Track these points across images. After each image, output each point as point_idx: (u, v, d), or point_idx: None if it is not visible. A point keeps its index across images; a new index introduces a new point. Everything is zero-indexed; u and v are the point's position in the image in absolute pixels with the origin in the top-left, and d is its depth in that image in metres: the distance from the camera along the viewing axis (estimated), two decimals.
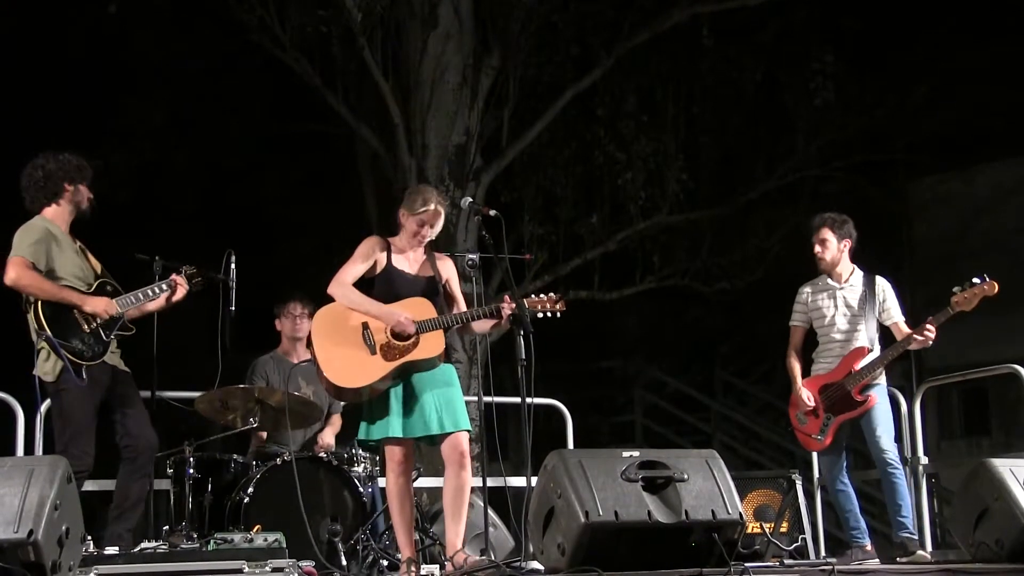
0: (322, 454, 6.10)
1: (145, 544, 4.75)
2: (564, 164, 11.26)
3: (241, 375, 6.55)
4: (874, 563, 6.03)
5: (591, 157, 11.35)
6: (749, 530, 6.55)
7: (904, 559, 5.96)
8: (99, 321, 5.35)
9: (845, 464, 6.35)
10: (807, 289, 6.50)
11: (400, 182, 9.86)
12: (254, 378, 6.60)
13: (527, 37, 10.34)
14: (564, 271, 10.81)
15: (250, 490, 5.77)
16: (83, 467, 5.26)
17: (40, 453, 6.16)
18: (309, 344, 5.34)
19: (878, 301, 6.32)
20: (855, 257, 6.51)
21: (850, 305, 6.34)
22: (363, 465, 6.11)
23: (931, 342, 6.10)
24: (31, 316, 5.27)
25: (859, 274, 6.44)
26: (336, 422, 6.74)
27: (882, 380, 6.30)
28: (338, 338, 5.11)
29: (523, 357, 5.03)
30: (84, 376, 5.24)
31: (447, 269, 5.38)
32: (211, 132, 11.70)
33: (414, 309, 5.15)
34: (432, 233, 5.30)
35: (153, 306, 5.59)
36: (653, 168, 11.23)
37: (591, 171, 11.37)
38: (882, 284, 6.40)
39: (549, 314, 5.21)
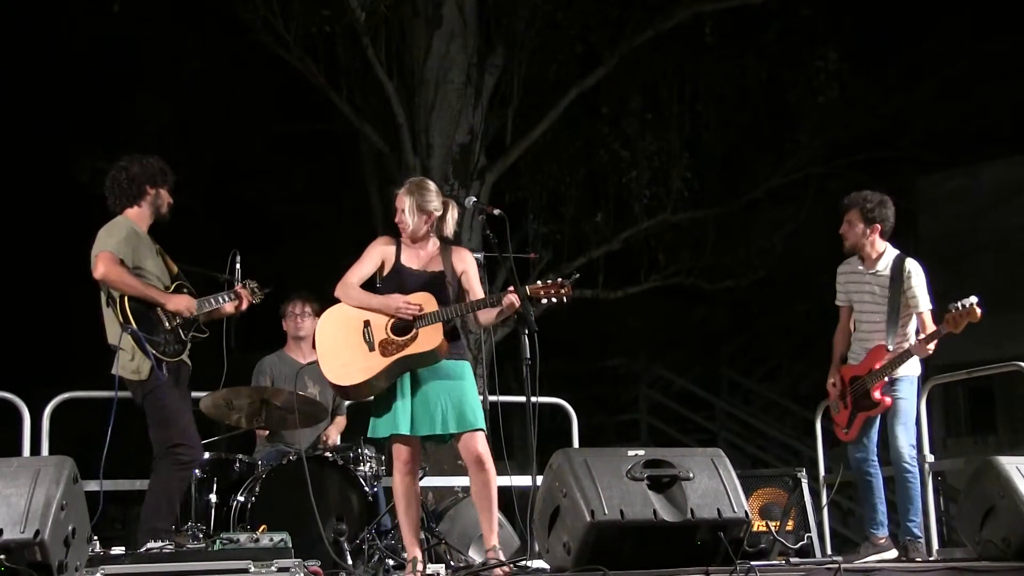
0: (327, 454, 6.09)
1: (151, 544, 4.74)
2: (568, 163, 11.26)
3: (246, 375, 6.54)
4: (890, 555, 5.95)
5: (595, 155, 11.35)
6: (755, 528, 6.52)
7: (904, 560, 5.94)
8: (178, 320, 5.40)
9: (875, 454, 6.10)
10: (841, 269, 6.21)
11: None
12: (259, 377, 6.60)
13: (531, 36, 10.34)
14: (569, 270, 10.79)
15: (256, 490, 5.77)
16: (192, 457, 5.39)
17: (46, 453, 6.16)
18: (314, 345, 5.36)
19: (903, 288, 5.94)
20: None
21: (876, 294, 6.02)
22: (369, 464, 6.10)
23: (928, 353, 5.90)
24: (114, 311, 5.30)
25: (890, 258, 6.05)
26: (340, 422, 6.74)
27: (908, 373, 6.00)
28: (340, 338, 5.12)
29: (528, 356, 5.01)
30: (165, 372, 5.29)
31: (463, 261, 5.28)
32: (214, 131, 11.70)
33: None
34: (407, 221, 5.19)
35: (223, 312, 5.65)
36: (657, 166, 11.23)
37: (595, 169, 11.37)
38: (909, 268, 5.98)
39: (555, 300, 5.05)
